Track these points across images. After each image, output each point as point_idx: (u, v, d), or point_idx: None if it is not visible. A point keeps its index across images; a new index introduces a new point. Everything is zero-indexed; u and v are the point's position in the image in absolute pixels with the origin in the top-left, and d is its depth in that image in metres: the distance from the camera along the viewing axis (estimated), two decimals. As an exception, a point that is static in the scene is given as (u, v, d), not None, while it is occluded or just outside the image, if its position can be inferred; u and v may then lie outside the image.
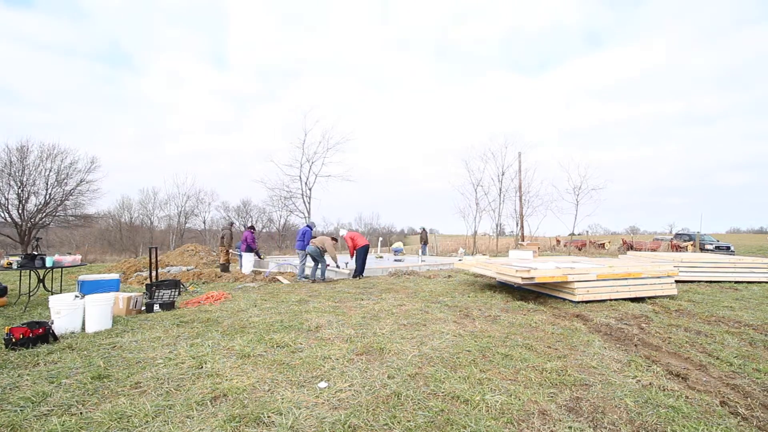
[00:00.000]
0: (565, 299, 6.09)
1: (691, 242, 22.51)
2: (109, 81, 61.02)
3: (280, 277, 9.20)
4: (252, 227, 11.13)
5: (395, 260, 14.24)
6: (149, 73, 65.13)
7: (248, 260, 10.40)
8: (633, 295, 6.21)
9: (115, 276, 6.90)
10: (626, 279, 6.25)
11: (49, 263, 5.98)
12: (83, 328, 4.45)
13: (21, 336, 3.71)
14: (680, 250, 20.79)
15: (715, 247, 22.19)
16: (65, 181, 25.75)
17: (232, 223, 13.95)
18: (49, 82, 52.51)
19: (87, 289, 6.21)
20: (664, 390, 2.79)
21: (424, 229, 19.68)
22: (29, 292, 6.25)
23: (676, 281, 7.11)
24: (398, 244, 18.94)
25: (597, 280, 6.04)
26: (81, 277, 6.58)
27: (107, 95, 58.38)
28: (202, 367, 3.21)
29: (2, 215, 24.00)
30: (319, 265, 8.88)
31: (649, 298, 6.32)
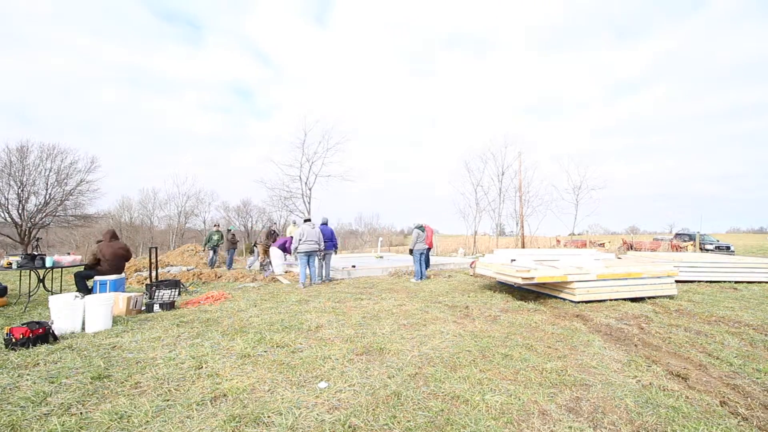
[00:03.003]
0: (565, 299, 6.09)
1: (691, 242, 22.49)
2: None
3: (280, 277, 9.20)
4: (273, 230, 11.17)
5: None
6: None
7: (276, 258, 9.99)
8: (633, 295, 6.21)
9: (121, 276, 6.90)
10: (626, 279, 6.25)
11: (48, 263, 5.98)
12: (83, 328, 4.45)
13: (21, 336, 3.71)
14: (680, 250, 20.76)
15: (715, 247, 22.17)
16: (65, 181, 25.81)
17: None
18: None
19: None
20: (664, 390, 2.79)
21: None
22: (29, 292, 6.25)
23: (676, 281, 7.10)
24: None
25: (597, 280, 6.05)
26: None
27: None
28: (202, 367, 3.21)
29: (2, 215, 24.02)
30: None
31: (649, 298, 6.31)
